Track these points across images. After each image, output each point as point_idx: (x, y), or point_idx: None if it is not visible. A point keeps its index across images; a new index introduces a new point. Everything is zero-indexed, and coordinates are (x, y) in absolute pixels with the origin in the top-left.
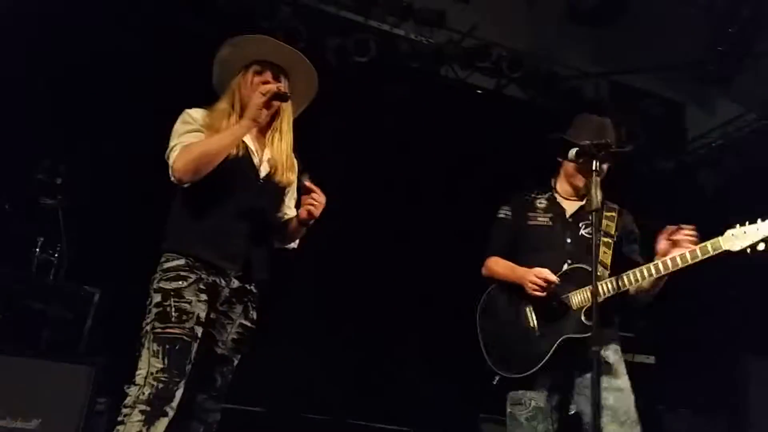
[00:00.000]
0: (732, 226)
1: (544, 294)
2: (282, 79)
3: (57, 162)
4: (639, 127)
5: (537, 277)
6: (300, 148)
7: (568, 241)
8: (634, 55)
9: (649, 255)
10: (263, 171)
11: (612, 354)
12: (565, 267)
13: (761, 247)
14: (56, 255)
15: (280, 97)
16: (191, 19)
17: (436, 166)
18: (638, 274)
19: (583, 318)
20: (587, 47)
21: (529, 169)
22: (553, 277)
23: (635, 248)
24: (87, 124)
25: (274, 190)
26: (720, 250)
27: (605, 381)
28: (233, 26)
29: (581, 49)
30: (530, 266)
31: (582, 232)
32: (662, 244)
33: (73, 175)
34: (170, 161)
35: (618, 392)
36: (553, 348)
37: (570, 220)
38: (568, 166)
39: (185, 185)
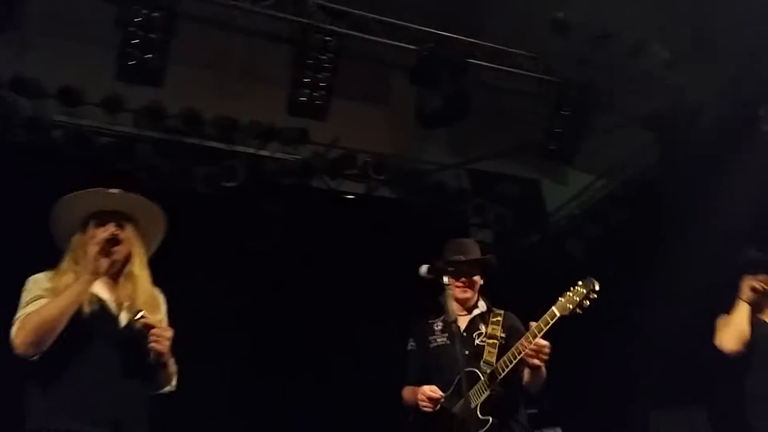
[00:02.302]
0: (562, 294)
1: (435, 409)
2: (126, 225)
3: None
4: (502, 209)
5: (422, 395)
6: (182, 277)
7: (466, 353)
8: (485, 142)
9: None
10: (123, 319)
11: None
12: (458, 376)
13: (586, 303)
14: None
15: (113, 241)
16: (48, 171)
17: (318, 274)
18: (501, 365)
19: (479, 414)
20: (443, 140)
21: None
22: (437, 394)
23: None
24: None
25: (139, 336)
26: (556, 317)
27: None
28: (89, 171)
29: (438, 143)
30: (437, 378)
31: (476, 342)
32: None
33: None
34: (11, 336)
35: None
36: None
37: (465, 334)
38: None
39: (34, 358)
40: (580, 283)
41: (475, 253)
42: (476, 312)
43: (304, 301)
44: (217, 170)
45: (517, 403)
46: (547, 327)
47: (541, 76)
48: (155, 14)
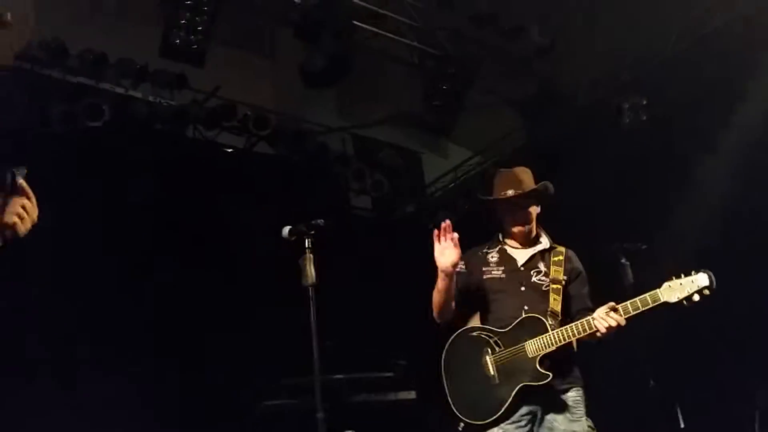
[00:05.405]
0: (669, 279)
1: (445, 238)
2: None
3: None
4: (381, 177)
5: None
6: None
7: (522, 288)
8: (371, 108)
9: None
10: None
11: (572, 396)
12: (523, 314)
13: (696, 297)
14: None
15: None
16: None
17: (192, 226)
18: (578, 328)
19: (538, 366)
20: (332, 103)
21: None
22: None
23: (585, 291)
24: None
25: None
26: (659, 302)
27: (563, 423)
28: None
29: (327, 105)
30: (489, 311)
31: (534, 279)
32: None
33: None
34: None
35: None
36: (512, 395)
37: (522, 269)
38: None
39: None
40: (693, 273)
41: (528, 182)
42: (539, 248)
43: (174, 259)
44: (79, 108)
45: (573, 362)
46: (645, 309)
47: (422, 47)
48: None
